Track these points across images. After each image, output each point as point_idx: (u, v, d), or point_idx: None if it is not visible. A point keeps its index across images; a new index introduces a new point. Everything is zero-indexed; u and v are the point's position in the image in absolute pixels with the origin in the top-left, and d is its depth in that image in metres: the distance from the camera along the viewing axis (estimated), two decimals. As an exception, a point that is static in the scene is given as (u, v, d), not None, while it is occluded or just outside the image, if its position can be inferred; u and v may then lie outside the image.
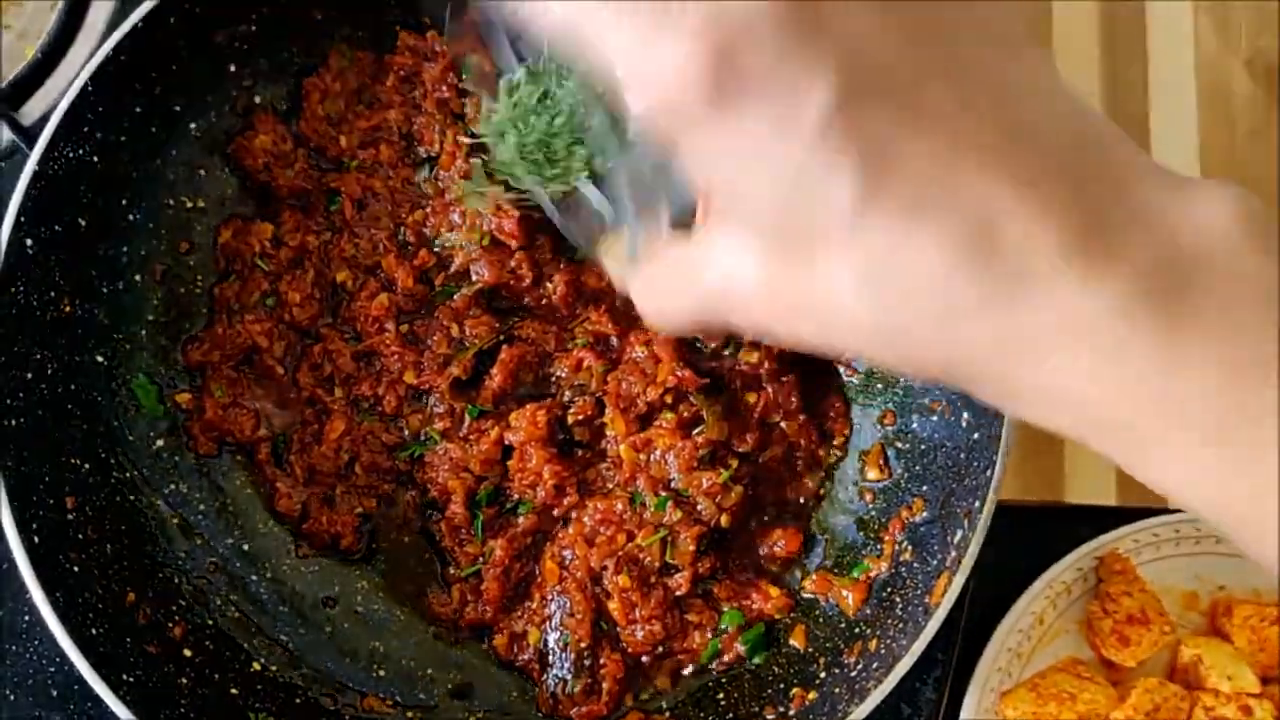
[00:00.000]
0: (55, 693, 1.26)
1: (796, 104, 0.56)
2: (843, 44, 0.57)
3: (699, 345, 1.31)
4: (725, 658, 1.25)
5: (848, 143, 0.57)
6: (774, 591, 1.27)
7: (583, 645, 1.25)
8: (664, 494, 1.26)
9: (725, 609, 1.26)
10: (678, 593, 1.25)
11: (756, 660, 1.25)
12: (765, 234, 0.63)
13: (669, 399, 1.28)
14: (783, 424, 1.31)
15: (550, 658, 1.26)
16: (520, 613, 1.28)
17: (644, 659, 1.26)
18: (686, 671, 1.27)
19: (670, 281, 0.73)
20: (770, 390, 1.30)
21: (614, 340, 1.32)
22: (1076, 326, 0.59)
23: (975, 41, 0.61)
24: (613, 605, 1.25)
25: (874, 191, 0.57)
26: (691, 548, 1.25)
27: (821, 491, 1.31)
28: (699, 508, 1.26)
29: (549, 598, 1.27)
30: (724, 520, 1.26)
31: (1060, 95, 0.64)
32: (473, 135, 1.32)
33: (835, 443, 1.31)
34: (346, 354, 1.33)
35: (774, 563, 1.30)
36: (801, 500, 1.31)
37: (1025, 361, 0.60)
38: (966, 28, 0.61)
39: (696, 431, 1.28)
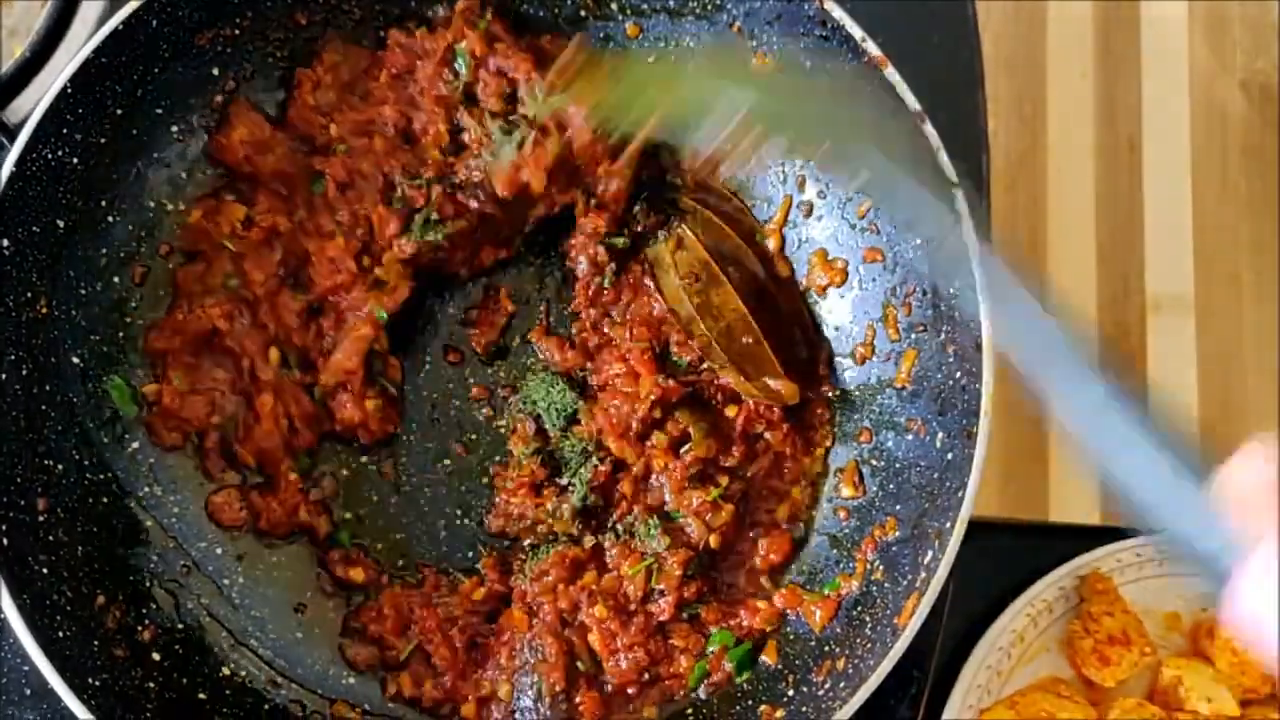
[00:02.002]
0: (29, 691, 1.26)
1: None
2: None
3: (674, 359, 1.31)
4: (714, 678, 1.24)
5: None
6: (761, 604, 1.26)
7: (558, 689, 1.23)
8: (653, 520, 1.26)
9: (714, 631, 1.25)
10: (660, 618, 1.24)
11: (744, 677, 1.24)
12: None
13: (657, 413, 1.28)
14: (767, 435, 1.30)
15: (522, 716, 1.24)
16: (488, 669, 1.27)
17: (630, 690, 1.24)
18: (677, 696, 1.25)
19: None
20: (751, 402, 1.29)
21: (585, 374, 1.33)
22: None
23: None
24: (592, 637, 1.23)
25: None
26: (678, 572, 1.24)
27: (807, 502, 1.30)
28: (688, 530, 1.25)
29: (518, 647, 1.25)
30: (713, 541, 1.25)
31: None
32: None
33: (817, 452, 1.31)
34: (294, 309, 1.31)
35: (764, 574, 1.29)
36: (790, 510, 1.30)
37: None
38: None
39: (684, 450, 1.27)
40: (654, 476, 1.27)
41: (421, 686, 1.26)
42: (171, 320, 1.30)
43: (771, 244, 1.34)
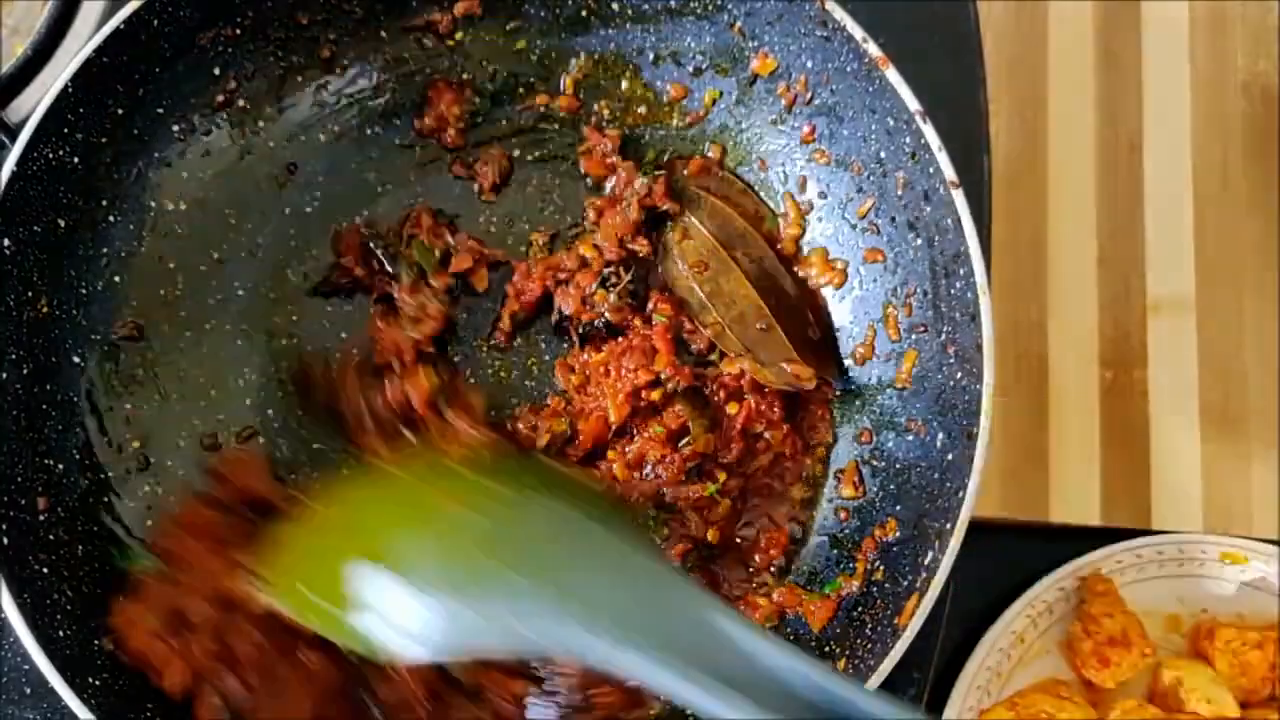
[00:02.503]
0: (29, 690, 1.26)
1: None
2: None
3: (690, 348, 1.31)
4: None
5: None
6: (761, 600, 1.26)
7: (575, 680, 1.21)
8: (652, 511, 1.26)
9: None
10: None
11: None
12: None
13: (656, 396, 1.27)
14: (767, 435, 1.30)
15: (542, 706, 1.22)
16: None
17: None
18: None
19: None
20: (752, 401, 1.29)
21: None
22: None
23: None
24: None
25: None
26: (676, 562, 1.23)
27: (807, 502, 1.30)
28: (686, 522, 1.25)
29: None
30: (711, 535, 1.25)
31: None
32: None
33: (817, 452, 1.30)
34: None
35: (764, 571, 1.29)
36: (788, 510, 1.30)
37: None
38: None
39: (683, 443, 1.27)
40: (650, 467, 1.27)
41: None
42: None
43: (784, 225, 1.33)
